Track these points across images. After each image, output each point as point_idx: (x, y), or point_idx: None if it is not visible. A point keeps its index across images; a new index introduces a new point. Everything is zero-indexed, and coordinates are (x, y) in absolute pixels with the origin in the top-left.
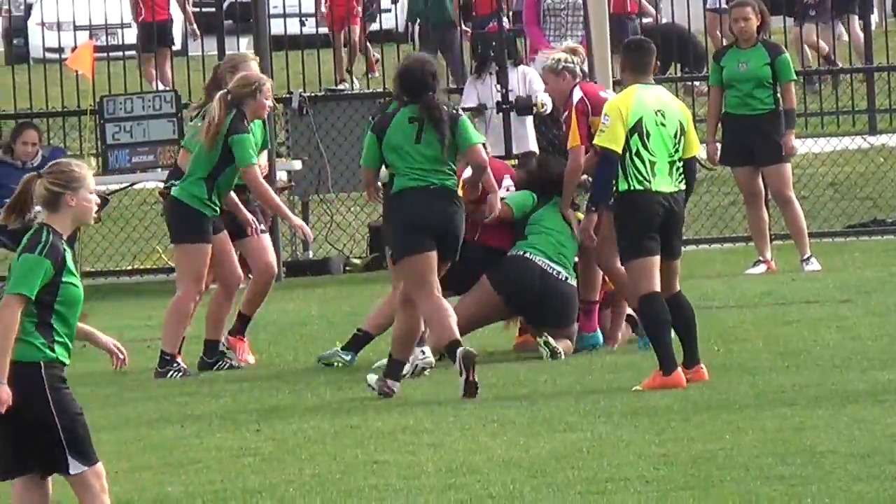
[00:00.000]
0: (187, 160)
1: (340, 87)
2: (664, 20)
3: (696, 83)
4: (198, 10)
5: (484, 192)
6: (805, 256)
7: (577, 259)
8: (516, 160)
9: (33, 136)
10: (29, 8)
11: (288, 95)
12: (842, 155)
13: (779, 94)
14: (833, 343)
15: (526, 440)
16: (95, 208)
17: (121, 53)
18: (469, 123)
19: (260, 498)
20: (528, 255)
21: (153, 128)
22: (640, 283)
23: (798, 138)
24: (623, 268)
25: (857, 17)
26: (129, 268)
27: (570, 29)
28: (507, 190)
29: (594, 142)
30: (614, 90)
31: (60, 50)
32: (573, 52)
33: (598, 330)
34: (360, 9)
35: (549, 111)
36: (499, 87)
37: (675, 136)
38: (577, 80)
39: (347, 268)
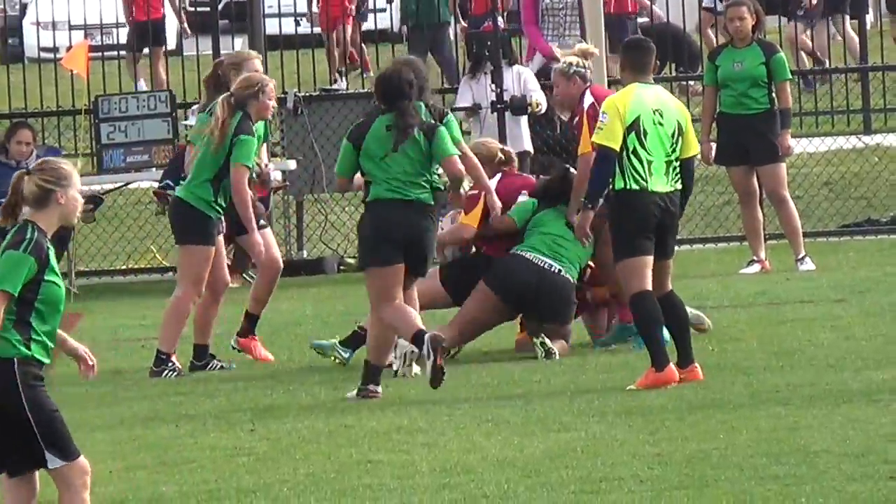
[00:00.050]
0: (192, 154)
1: (335, 86)
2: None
3: (691, 83)
4: (193, 9)
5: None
6: (799, 256)
7: (591, 263)
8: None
9: (28, 136)
10: (24, 7)
11: (283, 95)
12: (836, 154)
13: (774, 94)
14: (827, 343)
15: (520, 440)
16: (80, 208)
17: (115, 53)
18: (447, 134)
19: (254, 497)
20: (522, 252)
21: (148, 127)
22: (632, 281)
23: (793, 138)
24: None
25: (847, 18)
26: (124, 267)
27: (568, 28)
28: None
29: (591, 139)
30: (612, 90)
31: (55, 49)
32: (585, 55)
33: None
34: (353, 7)
35: (543, 111)
36: (494, 86)
37: (673, 136)
38: (588, 84)
39: (342, 267)
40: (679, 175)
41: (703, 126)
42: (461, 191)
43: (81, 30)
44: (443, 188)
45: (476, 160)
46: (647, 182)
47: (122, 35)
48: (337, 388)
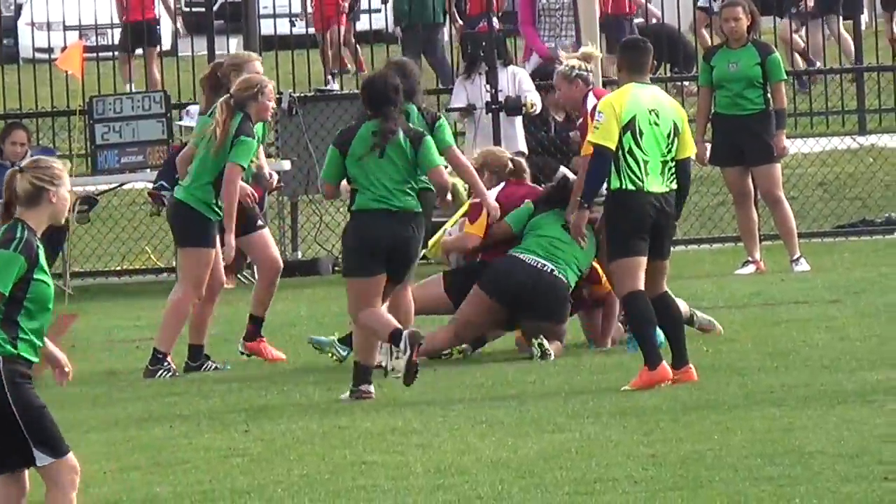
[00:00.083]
0: (181, 153)
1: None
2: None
3: (686, 83)
4: (188, 10)
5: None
6: (794, 257)
7: (596, 264)
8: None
9: (22, 137)
10: (19, 8)
11: (278, 96)
12: (831, 155)
13: (769, 94)
14: (822, 343)
15: (514, 441)
16: (69, 208)
17: (110, 54)
18: (433, 144)
19: (248, 498)
20: (517, 254)
21: (142, 128)
22: (625, 281)
23: (787, 138)
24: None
25: (840, 19)
26: (118, 268)
27: (564, 29)
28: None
29: (587, 138)
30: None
31: (50, 50)
32: (587, 58)
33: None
34: (346, 5)
35: (538, 111)
36: (488, 87)
37: (669, 137)
38: (590, 86)
39: (336, 268)
40: (674, 175)
41: (698, 127)
42: (458, 194)
43: (76, 30)
44: (432, 188)
45: (469, 165)
46: (643, 182)
47: (117, 36)
48: (331, 389)
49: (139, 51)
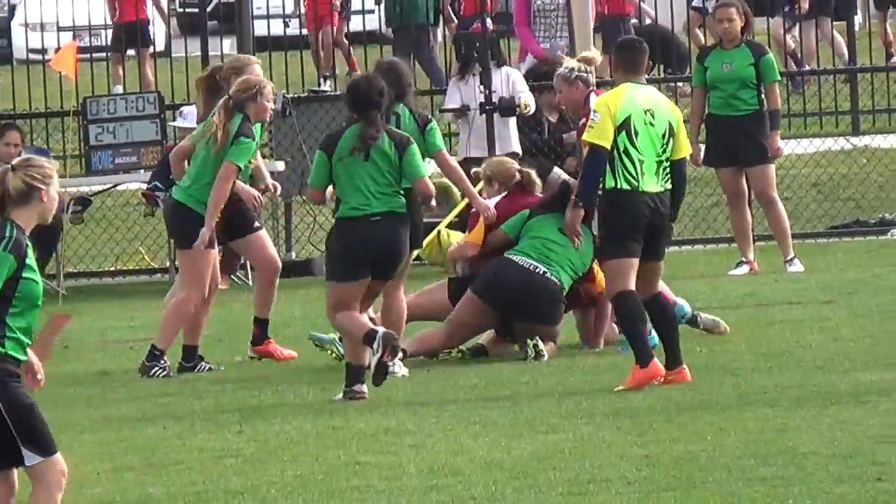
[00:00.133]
0: (173, 153)
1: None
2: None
3: (680, 84)
4: (182, 10)
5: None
6: (788, 257)
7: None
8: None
9: (16, 138)
10: (12, 9)
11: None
12: (825, 156)
13: (763, 95)
14: (815, 344)
15: (508, 441)
16: (57, 207)
17: (104, 55)
18: (417, 153)
19: (242, 499)
20: (510, 256)
21: (136, 129)
22: (617, 280)
23: (781, 139)
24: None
25: (831, 20)
26: (112, 269)
27: (559, 30)
28: None
29: (582, 138)
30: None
31: (44, 51)
32: (587, 61)
33: (680, 301)
34: (338, 3)
35: (531, 112)
36: (482, 88)
37: (664, 137)
38: (591, 88)
39: None
40: (669, 176)
41: (692, 127)
42: (451, 194)
43: (70, 31)
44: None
45: (459, 169)
46: (638, 182)
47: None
48: (325, 390)
49: (131, 52)
